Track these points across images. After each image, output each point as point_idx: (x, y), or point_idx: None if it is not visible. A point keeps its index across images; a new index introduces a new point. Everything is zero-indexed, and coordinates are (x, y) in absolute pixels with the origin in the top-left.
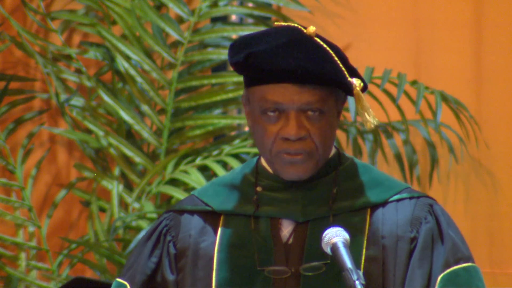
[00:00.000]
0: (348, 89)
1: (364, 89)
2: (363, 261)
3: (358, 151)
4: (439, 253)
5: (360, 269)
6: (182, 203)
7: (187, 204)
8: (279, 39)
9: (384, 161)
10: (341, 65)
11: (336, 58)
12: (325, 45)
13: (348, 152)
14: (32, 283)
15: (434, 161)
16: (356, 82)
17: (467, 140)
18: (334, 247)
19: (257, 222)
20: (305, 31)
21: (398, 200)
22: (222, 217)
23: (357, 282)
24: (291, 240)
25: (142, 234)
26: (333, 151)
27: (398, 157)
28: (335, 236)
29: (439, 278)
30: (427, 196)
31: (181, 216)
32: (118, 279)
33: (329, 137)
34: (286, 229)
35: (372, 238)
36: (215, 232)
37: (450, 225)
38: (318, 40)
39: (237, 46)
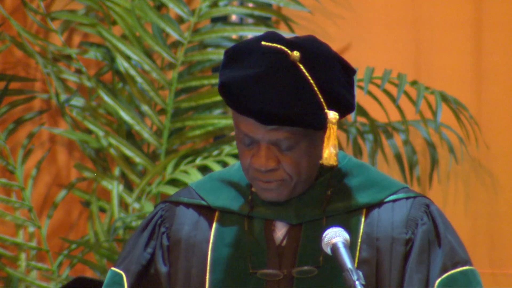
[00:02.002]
0: (318, 127)
1: (348, 113)
2: (356, 263)
3: (358, 151)
4: (436, 256)
5: None
6: (179, 194)
7: (184, 196)
8: (257, 65)
9: (384, 161)
10: (319, 96)
11: (316, 89)
12: (307, 73)
13: (348, 152)
14: (32, 284)
15: (434, 162)
16: (332, 115)
17: (467, 140)
18: (334, 248)
19: (251, 222)
20: (290, 55)
21: (394, 201)
22: (217, 213)
23: (357, 283)
24: (284, 242)
25: None
26: None
27: (398, 158)
28: (335, 236)
29: (436, 282)
30: (424, 196)
31: (176, 207)
32: (113, 268)
33: (304, 164)
34: (280, 231)
35: (366, 240)
36: (209, 228)
37: (447, 227)
38: (301, 67)
39: (225, 59)
